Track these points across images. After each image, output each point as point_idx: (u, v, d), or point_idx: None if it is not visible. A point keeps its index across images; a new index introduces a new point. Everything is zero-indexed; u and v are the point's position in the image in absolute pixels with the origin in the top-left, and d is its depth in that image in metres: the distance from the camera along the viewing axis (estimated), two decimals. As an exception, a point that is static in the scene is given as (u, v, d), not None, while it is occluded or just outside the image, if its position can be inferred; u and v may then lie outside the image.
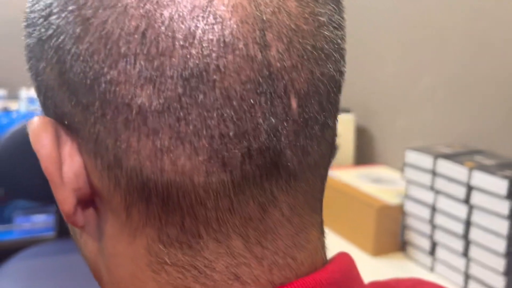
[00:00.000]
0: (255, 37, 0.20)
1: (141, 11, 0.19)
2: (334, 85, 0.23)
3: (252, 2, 0.20)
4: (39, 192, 1.26)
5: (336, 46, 0.23)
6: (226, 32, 0.20)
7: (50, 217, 1.66)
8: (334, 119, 0.24)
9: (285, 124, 0.21)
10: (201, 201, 0.21)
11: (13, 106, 1.74)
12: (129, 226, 0.22)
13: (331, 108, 0.24)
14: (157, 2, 0.19)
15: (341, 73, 0.24)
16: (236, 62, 0.20)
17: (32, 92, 1.90)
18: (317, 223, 0.25)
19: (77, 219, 0.24)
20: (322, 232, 0.26)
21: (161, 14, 0.19)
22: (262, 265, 0.22)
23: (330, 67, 0.23)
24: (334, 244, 1.01)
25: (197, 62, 0.19)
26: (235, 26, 0.20)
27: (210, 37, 0.19)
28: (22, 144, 1.20)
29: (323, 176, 0.25)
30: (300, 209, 0.23)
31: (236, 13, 0.20)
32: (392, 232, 0.97)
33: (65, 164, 0.23)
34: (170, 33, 0.19)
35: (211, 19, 0.19)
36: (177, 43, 0.19)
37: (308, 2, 0.22)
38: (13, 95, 1.88)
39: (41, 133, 0.23)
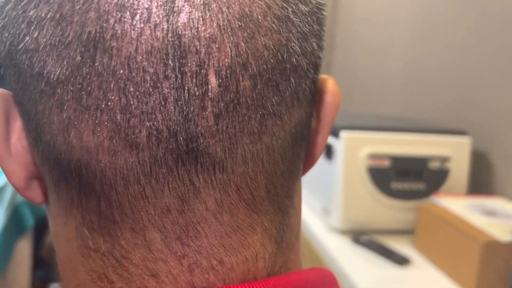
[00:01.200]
0: (160, 1, 0.18)
1: None
2: (284, 66, 0.20)
3: None
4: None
5: (286, 17, 0.20)
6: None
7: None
8: (294, 108, 0.21)
9: (201, 104, 0.18)
10: (111, 184, 0.19)
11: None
12: (60, 206, 0.21)
13: (283, 95, 0.20)
14: None
15: (297, 53, 0.20)
16: (137, 28, 0.17)
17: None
18: (262, 227, 0.21)
19: (32, 194, 0.23)
20: (274, 240, 0.22)
21: None
22: (182, 264, 0.20)
23: (272, 43, 0.19)
24: (431, 276, 0.92)
25: (94, 27, 0.17)
26: None
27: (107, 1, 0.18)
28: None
29: (275, 175, 0.21)
30: (232, 207, 0.20)
31: None
32: (500, 272, 0.84)
33: (13, 136, 0.22)
34: None
35: None
36: (76, 6, 0.18)
37: None
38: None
39: None
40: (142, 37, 0.17)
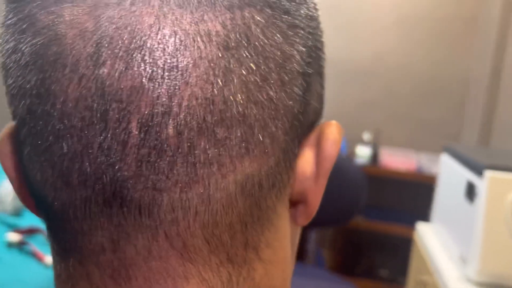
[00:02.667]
0: (88, 53, 0.19)
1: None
2: (222, 115, 0.19)
3: (92, 19, 0.19)
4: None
5: (225, 67, 0.19)
6: (60, 49, 0.19)
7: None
8: (244, 158, 0.20)
9: (124, 151, 0.19)
10: (61, 217, 0.21)
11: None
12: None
13: (223, 145, 0.19)
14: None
15: (242, 102, 0.20)
16: (67, 78, 0.19)
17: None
18: (199, 278, 0.21)
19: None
20: None
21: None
22: None
23: (203, 92, 0.19)
24: None
25: (36, 76, 0.20)
26: (69, 41, 0.19)
27: (48, 52, 0.19)
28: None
29: (219, 225, 0.21)
30: (162, 254, 0.20)
31: (73, 29, 0.19)
32: None
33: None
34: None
35: (51, 36, 0.19)
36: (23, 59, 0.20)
37: (174, 17, 0.19)
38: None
39: None
40: (70, 87, 0.19)
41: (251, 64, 0.20)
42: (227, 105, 0.19)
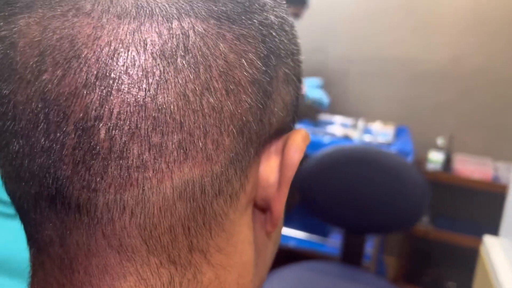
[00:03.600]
0: (33, 60, 0.20)
1: None
2: (157, 121, 0.20)
3: (40, 29, 0.20)
4: (328, 215, 1.35)
5: (160, 71, 0.20)
6: (13, 56, 0.21)
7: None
8: (182, 164, 0.21)
9: (62, 152, 0.20)
10: (19, 208, 0.23)
11: (353, 134, 1.91)
12: None
13: (158, 150, 0.20)
14: None
15: (177, 110, 0.20)
16: (17, 83, 0.21)
17: (369, 124, 2.03)
18: (137, 276, 0.22)
19: None
20: None
21: None
22: None
23: (134, 98, 0.20)
24: None
25: None
26: (21, 50, 0.21)
27: (5, 59, 0.21)
28: (327, 167, 1.32)
29: (157, 227, 0.21)
30: (100, 250, 0.21)
31: (24, 37, 0.21)
32: None
33: None
34: None
35: (8, 44, 0.21)
36: None
37: (111, 28, 0.20)
38: (354, 125, 2.07)
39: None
40: (19, 91, 0.21)
41: (189, 73, 0.20)
42: (161, 112, 0.20)
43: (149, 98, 0.20)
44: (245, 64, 0.22)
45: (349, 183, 1.30)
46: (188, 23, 0.21)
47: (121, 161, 0.20)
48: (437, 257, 2.12)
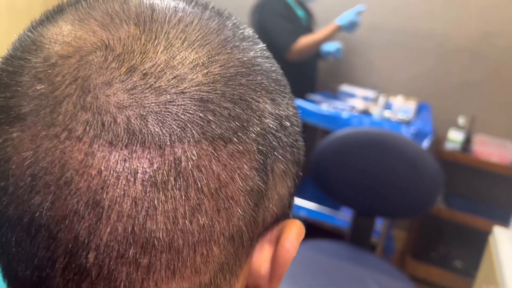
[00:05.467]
0: (26, 182, 0.20)
1: None
2: (141, 245, 0.20)
3: (33, 147, 0.20)
4: (340, 195, 1.36)
5: (134, 214, 0.20)
6: (6, 171, 0.21)
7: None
8: (171, 281, 0.21)
9: (54, 270, 0.21)
10: None
11: (374, 109, 1.89)
12: None
13: (146, 271, 0.20)
14: None
15: (160, 234, 0.20)
16: (7, 200, 0.21)
17: (391, 99, 2.00)
18: None
19: None
20: None
21: None
22: None
23: (121, 225, 0.20)
24: None
25: None
26: (13, 167, 0.21)
27: None
28: (342, 149, 1.31)
29: None
30: None
31: (17, 154, 0.21)
32: None
33: None
34: None
35: (1, 156, 0.21)
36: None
37: (102, 155, 0.20)
38: (375, 98, 2.04)
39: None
40: (10, 208, 0.21)
41: (179, 198, 0.20)
42: (150, 236, 0.20)
43: (138, 226, 0.20)
44: (239, 179, 0.22)
45: (363, 167, 1.30)
46: (181, 148, 0.21)
47: (110, 283, 0.21)
48: (447, 236, 2.13)
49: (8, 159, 0.21)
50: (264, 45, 0.27)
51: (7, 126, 0.21)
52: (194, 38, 0.23)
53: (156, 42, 0.22)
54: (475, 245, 1.83)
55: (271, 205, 0.24)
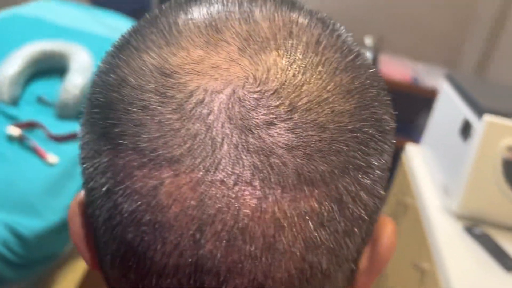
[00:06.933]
0: (190, 231, 0.19)
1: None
2: (301, 283, 0.20)
3: (196, 195, 0.19)
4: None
5: (303, 253, 0.20)
6: (163, 219, 0.19)
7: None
8: None
9: None
10: None
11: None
12: None
13: None
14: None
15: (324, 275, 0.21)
16: (167, 251, 0.19)
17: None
18: None
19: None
20: None
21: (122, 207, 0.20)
22: None
23: (295, 271, 0.20)
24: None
25: (132, 235, 0.20)
26: (172, 216, 0.19)
27: (147, 218, 0.19)
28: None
29: None
30: None
31: (178, 203, 0.19)
32: None
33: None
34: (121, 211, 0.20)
35: (150, 202, 0.19)
36: (125, 221, 0.20)
37: (274, 199, 0.19)
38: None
39: None
40: (171, 260, 0.19)
41: (342, 234, 0.21)
42: (312, 272, 0.20)
43: (307, 266, 0.20)
44: (378, 201, 0.23)
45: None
46: (345, 183, 0.21)
47: None
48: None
49: (164, 207, 0.19)
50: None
51: (156, 171, 0.19)
52: (336, 65, 0.22)
53: (303, 70, 0.21)
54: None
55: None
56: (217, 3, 0.23)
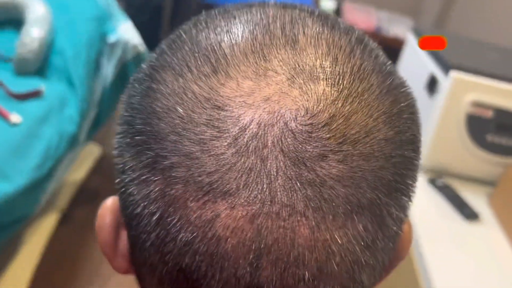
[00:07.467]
0: (248, 260, 0.20)
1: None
2: None
3: (254, 227, 0.20)
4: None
5: (350, 273, 0.21)
6: (220, 250, 0.20)
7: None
8: None
9: None
10: None
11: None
12: None
13: None
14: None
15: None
16: (224, 279, 0.20)
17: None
18: None
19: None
20: None
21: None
22: None
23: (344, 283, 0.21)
24: (495, 239, 0.93)
25: (189, 267, 0.20)
26: (229, 247, 0.20)
27: (204, 249, 0.20)
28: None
29: None
30: None
31: (235, 235, 0.20)
32: None
33: (120, 242, 0.27)
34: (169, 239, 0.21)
35: (208, 236, 0.20)
36: (176, 249, 0.21)
37: (325, 227, 0.20)
38: None
39: None
40: (228, 286, 0.20)
41: (381, 251, 0.22)
42: (354, 287, 0.22)
43: (353, 282, 0.22)
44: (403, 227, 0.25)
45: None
46: (389, 208, 0.22)
47: None
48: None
49: (220, 239, 0.20)
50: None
51: (211, 204, 0.20)
52: (379, 91, 0.22)
53: (351, 100, 0.21)
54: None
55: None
56: (255, 18, 0.23)
